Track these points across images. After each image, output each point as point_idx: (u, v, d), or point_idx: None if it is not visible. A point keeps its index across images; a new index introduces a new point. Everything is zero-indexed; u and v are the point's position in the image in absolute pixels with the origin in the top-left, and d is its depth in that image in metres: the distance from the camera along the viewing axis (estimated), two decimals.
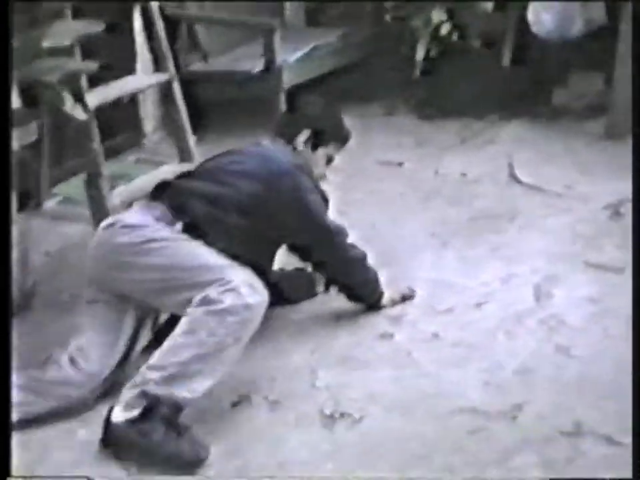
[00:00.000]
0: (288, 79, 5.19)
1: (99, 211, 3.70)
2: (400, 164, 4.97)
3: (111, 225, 3.17)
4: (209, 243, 3.12)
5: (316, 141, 3.51)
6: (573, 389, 3.03)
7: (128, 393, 2.89)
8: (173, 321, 3.04)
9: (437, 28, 5.37)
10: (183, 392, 2.86)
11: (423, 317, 3.50)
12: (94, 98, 3.70)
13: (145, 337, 3.22)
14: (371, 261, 3.50)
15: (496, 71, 5.43)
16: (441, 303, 3.58)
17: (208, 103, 5.16)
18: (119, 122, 4.97)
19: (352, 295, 3.54)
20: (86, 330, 3.15)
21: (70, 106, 3.23)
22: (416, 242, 4.07)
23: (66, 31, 3.40)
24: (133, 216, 3.21)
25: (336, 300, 3.58)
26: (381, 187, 4.71)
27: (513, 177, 4.71)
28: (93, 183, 3.69)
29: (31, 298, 3.66)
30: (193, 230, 3.14)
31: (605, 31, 5.41)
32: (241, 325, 2.93)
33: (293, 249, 3.45)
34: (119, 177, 4.10)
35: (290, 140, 3.48)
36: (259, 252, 3.27)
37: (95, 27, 3.34)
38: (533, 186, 4.57)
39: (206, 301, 2.93)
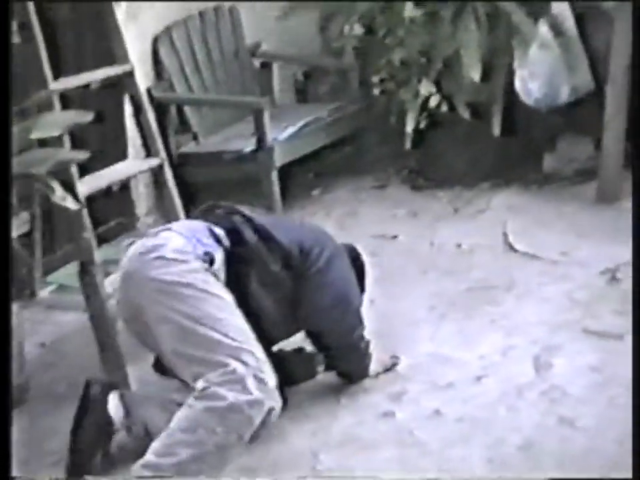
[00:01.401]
0: (280, 157, 5.20)
1: (93, 298, 3.68)
2: (394, 237, 4.96)
3: (148, 252, 3.08)
4: (242, 289, 3.06)
5: None
6: (579, 462, 2.98)
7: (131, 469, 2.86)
8: None
9: (426, 100, 5.40)
10: None
11: (424, 393, 3.47)
12: (85, 186, 3.70)
13: None
14: (369, 336, 3.49)
15: (486, 140, 5.45)
16: (441, 378, 3.54)
17: (200, 183, 5.16)
18: (112, 206, 4.97)
19: (344, 375, 3.55)
20: None
21: (60, 196, 3.23)
22: (414, 316, 4.05)
23: (55, 121, 3.42)
24: (174, 242, 3.08)
25: (335, 379, 3.55)
26: (377, 260, 4.67)
27: (508, 246, 4.70)
28: (86, 271, 3.67)
29: (26, 392, 3.62)
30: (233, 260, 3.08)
31: (592, 96, 5.46)
32: (244, 423, 2.84)
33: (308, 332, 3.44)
34: (113, 263, 4.08)
35: None
36: (280, 324, 3.24)
37: (84, 116, 3.35)
38: (528, 254, 4.57)
39: (208, 395, 2.83)
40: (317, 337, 3.43)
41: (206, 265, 3.06)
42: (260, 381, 2.88)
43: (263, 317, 3.14)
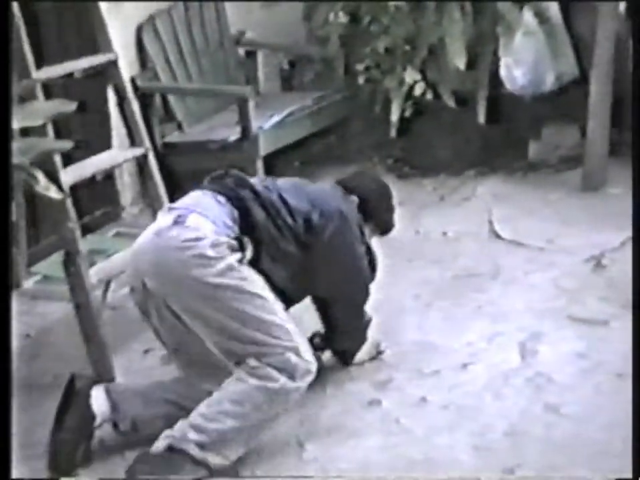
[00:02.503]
0: (265, 146, 5.19)
1: (78, 288, 3.65)
2: None
3: (171, 233, 3.03)
4: (266, 268, 3.10)
5: (361, 212, 3.49)
6: (564, 449, 2.99)
7: (164, 440, 2.96)
8: None
9: (411, 88, 5.39)
10: (216, 458, 2.94)
11: (410, 381, 3.48)
12: (69, 176, 3.67)
13: None
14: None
15: (471, 128, 5.46)
16: (427, 366, 3.55)
17: (185, 172, 5.13)
18: (96, 196, 4.95)
19: (339, 353, 3.58)
20: None
21: (44, 186, 3.19)
22: (400, 304, 4.05)
23: (38, 111, 3.38)
24: (207, 231, 3.04)
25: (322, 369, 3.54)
26: None
27: (494, 233, 4.70)
28: (70, 261, 3.65)
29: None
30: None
31: (577, 84, 5.46)
32: (284, 406, 3.03)
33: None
34: (97, 252, 4.06)
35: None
36: (290, 292, 3.22)
37: (67, 106, 3.31)
38: (513, 241, 4.57)
39: (262, 375, 2.96)
40: (324, 306, 3.44)
41: (239, 255, 3.05)
42: (307, 373, 3.04)
43: (274, 287, 3.14)
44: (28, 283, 4.05)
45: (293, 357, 3.00)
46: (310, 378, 3.06)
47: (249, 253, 3.08)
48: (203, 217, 3.08)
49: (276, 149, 5.33)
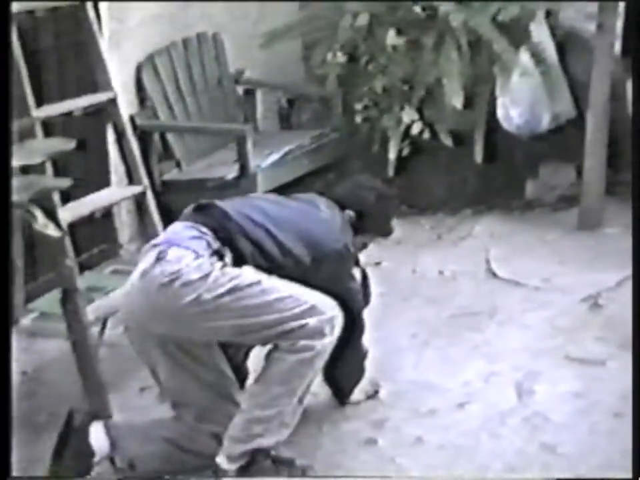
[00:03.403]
0: (263, 184, 5.20)
1: (75, 326, 3.66)
2: (377, 263, 4.96)
3: (155, 272, 3.04)
4: None
5: (357, 225, 3.47)
6: None
7: (234, 447, 3.04)
8: None
9: (408, 127, 5.42)
10: (280, 436, 3.09)
11: (406, 420, 3.47)
12: (67, 213, 3.69)
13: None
14: None
15: (468, 167, 5.48)
16: (423, 405, 3.54)
17: (183, 211, 5.15)
18: (94, 233, 4.96)
19: (337, 389, 3.56)
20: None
21: (42, 224, 3.20)
22: (397, 343, 4.05)
23: (37, 148, 3.39)
24: (174, 255, 3.06)
25: (318, 406, 3.54)
26: None
27: (490, 272, 4.71)
28: (68, 298, 3.65)
29: None
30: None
31: (573, 123, 5.49)
32: (325, 357, 3.14)
33: None
34: (95, 290, 4.07)
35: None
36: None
37: (66, 144, 3.33)
38: (510, 280, 4.58)
39: (298, 348, 3.04)
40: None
41: (220, 263, 3.07)
42: (331, 323, 3.11)
43: None
44: (26, 320, 4.05)
45: (312, 320, 3.06)
46: (339, 322, 3.14)
47: (228, 259, 3.10)
48: (183, 249, 3.09)
49: (274, 187, 5.34)
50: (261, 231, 3.18)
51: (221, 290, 3.02)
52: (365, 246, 3.59)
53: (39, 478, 3.10)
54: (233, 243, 3.13)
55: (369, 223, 3.52)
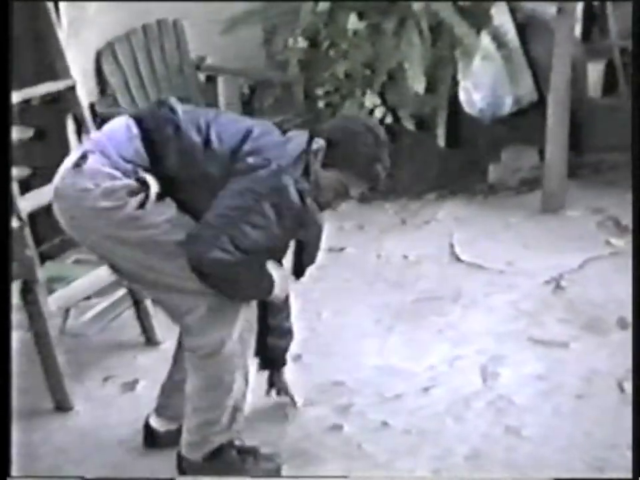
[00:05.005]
0: None
1: (36, 317, 3.62)
2: (341, 249, 4.96)
3: (69, 180, 2.96)
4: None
5: (327, 159, 2.97)
6: (525, 471, 3.00)
7: (194, 451, 3.04)
8: None
9: (371, 112, 5.41)
10: (236, 425, 3.05)
11: (372, 405, 3.46)
12: (27, 203, 3.64)
13: None
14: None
15: (431, 151, 5.49)
16: (388, 390, 3.54)
17: None
18: (55, 223, 4.90)
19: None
20: None
21: None
22: (361, 329, 4.05)
23: None
24: (91, 166, 2.90)
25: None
26: (324, 274, 4.67)
27: (454, 256, 4.72)
28: (28, 289, 3.62)
29: None
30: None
31: (535, 106, 5.52)
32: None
33: None
34: (57, 280, 4.03)
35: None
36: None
37: (24, 133, 3.30)
38: (474, 264, 4.59)
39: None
40: None
41: (141, 198, 2.86)
42: None
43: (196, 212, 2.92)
44: None
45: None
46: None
47: (153, 191, 2.88)
48: (104, 159, 2.91)
49: None
50: (199, 139, 2.90)
51: (127, 234, 2.87)
52: (345, 193, 3.04)
53: (39, 478, 3.06)
54: (159, 157, 2.90)
55: (345, 157, 2.97)
